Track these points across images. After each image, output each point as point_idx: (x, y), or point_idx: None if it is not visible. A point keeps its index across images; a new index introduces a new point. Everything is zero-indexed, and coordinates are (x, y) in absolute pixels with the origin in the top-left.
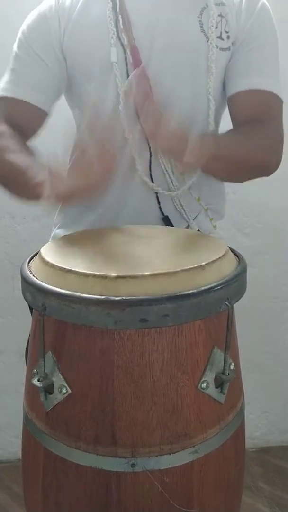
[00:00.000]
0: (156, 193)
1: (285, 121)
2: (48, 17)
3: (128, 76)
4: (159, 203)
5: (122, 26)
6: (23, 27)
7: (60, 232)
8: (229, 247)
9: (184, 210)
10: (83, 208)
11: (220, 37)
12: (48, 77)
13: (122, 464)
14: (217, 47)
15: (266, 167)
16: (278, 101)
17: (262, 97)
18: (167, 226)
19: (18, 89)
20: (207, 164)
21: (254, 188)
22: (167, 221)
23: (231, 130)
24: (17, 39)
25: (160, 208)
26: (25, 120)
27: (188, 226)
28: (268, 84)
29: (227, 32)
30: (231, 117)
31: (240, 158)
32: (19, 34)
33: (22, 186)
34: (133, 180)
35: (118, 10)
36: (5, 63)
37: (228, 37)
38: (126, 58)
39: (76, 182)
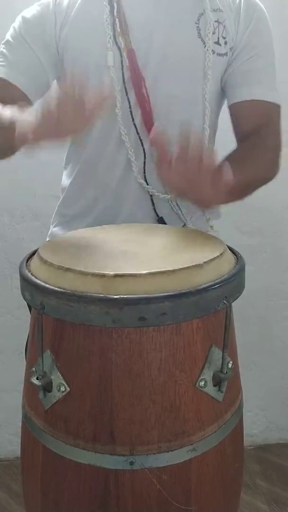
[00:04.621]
0: (151, 195)
1: (284, 123)
2: (45, 15)
3: (123, 79)
4: (153, 204)
5: (119, 30)
6: (19, 18)
7: (56, 230)
8: (227, 246)
9: (181, 211)
10: (80, 210)
11: (217, 43)
12: (38, 69)
13: (121, 462)
14: (214, 53)
15: (267, 180)
16: (277, 109)
17: (262, 107)
18: (165, 225)
19: (11, 72)
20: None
21: None
22: (162, 223)
23: (232, 153)
24: (11, 28)
25: (154, 209)
26: (9, 101)
27: (184, 226)
28: (267, 94)
29: (224, 37)
30: (233, 126)
31: (245, 183)
32: (14, 23)
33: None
34: (128, 182)
35: (115, 13)
36: None
37: (225, 42)
38: (122, 62)
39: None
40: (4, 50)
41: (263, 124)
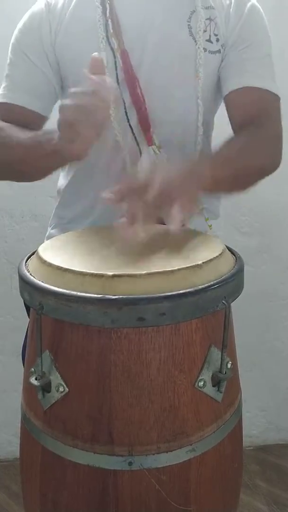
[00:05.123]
0: None
1: (285, 119)
2: (39, 22)
3: (117, 80)
4: None
5: (112, 31)
6: (16, 32)
7: (54, 232)
8: (226, 246)
9: None
10: (78, 212)
11: (209, 40)
12: (43, 82)
13: (120, 463)
14: (206, 51)
15: (267, 170)
16: (275, 98)
17: (257, 95)
18: (164, 225)
19: (14, 95)
20: (210, 188)
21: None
22: (160, 223)
23: (228, 140)
24: (10, 45)
25: None
26: (23, 125)
27: (183, 227)
28: (262, 82)
29: (216, 35)
30: (229, 118)
31: (241, 170)
32: (13, 40)
33: (39, 157)
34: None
35: (108, 14)
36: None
37: (217, 40)
38: (115, 63)
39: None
40: (9, 71)
41: (259, 113)
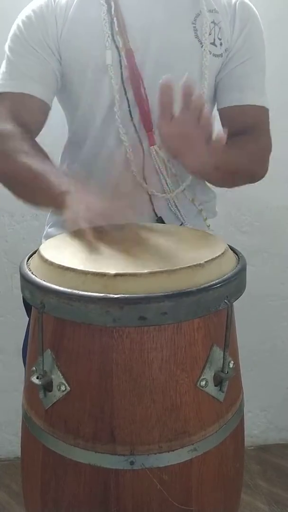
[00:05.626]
0: (150, 195)
1: (282, 126)
2: (45, 14)
3: (122, 78)
4: (152, 204)
5: (117, 29)
6: (18, 22)
7: (52, 231)
8: (228, 245)
9: (179, 211)
10: None
11: (213, 44)
12: (47, 69)
13: (121, 462)
14: (210, 53)
15: (255, 177)
16: (267, 113)
17: (254, 112)
18: (166, 224)
19: (19, 82)
20: (207, 172)
21: (252, 187)
22: (161, 223)
23: (232, 140)
24: (10, 35)
25: (153, 209)
26: (29, 115)
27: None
28: (258, 99)
29: (220, 39)
30: (223, 126)
31: (235, 169)
32: (14, 29)
33: (40, 192)
34: (127, 182)
35: (113, 12)
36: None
37: (221, 44)
38: (120, 61)
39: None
40: (11, 59)
41: (253, 126)
